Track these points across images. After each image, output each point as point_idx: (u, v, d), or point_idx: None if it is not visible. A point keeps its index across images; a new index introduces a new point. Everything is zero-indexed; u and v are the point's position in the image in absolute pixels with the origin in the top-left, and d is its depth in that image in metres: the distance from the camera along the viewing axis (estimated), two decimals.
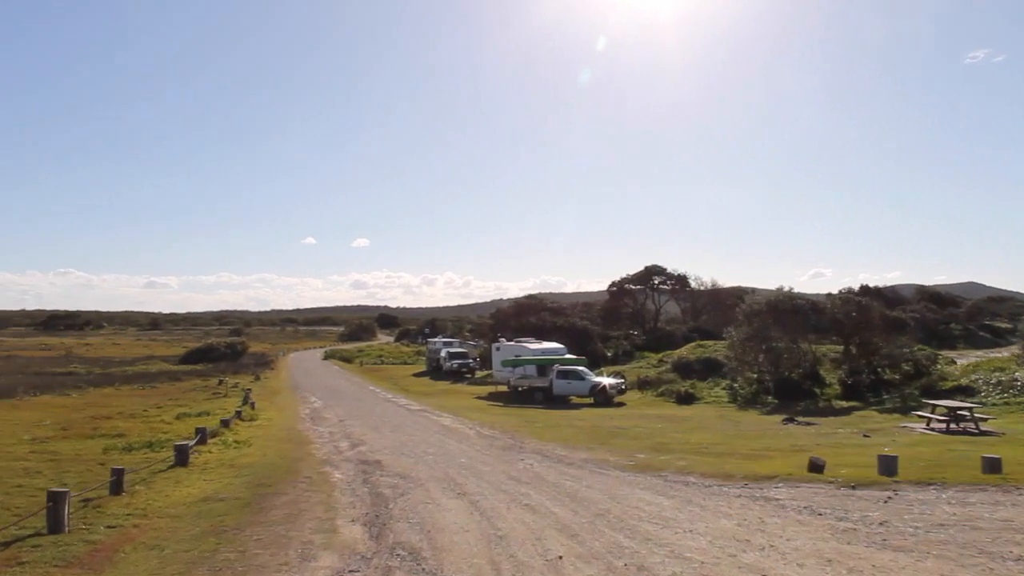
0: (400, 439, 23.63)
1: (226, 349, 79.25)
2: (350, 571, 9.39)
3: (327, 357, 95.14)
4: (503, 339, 52.21)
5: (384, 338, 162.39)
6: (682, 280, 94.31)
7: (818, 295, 52.53)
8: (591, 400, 41.50)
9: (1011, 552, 9.67)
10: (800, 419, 30.66)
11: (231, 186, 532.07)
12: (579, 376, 43.30)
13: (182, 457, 18.54)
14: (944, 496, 13.09)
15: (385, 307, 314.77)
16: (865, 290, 78.14)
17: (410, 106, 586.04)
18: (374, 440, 23.42)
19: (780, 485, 14.53)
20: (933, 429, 25.17)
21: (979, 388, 33.64)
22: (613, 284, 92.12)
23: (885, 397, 37.07)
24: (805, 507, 12.58)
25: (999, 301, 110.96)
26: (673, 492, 14.32)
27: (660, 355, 61.72)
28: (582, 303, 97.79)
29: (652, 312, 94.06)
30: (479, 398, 45.87)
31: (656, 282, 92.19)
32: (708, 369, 48.49)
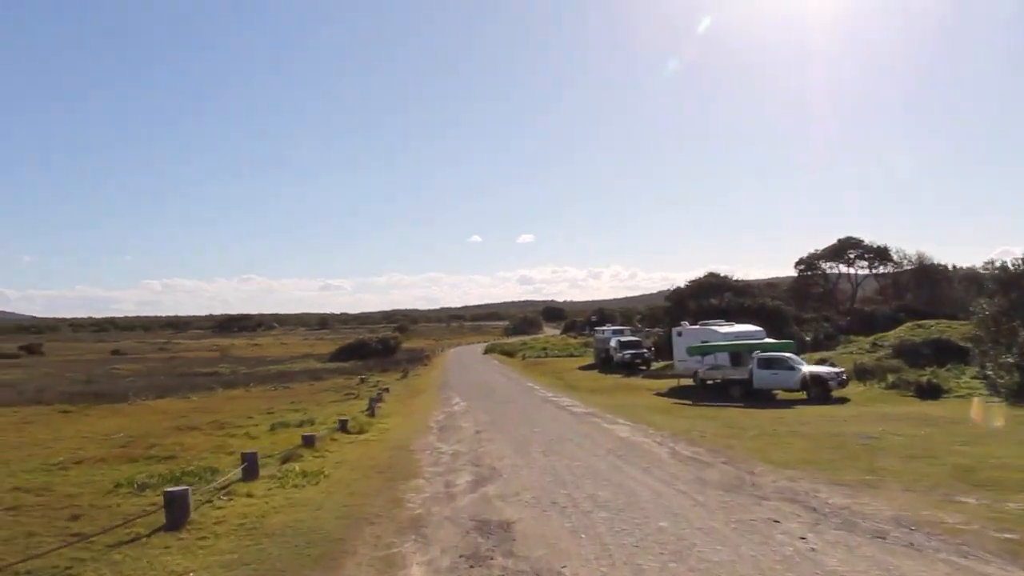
0: (554, 468, 14.96)
1: (378, 345, 73.61)
2: None
3: (488, 351, 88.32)
4: (685, 323, 42.63)
5: (550, 331, 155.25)
6: (882, 253, 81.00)
7: None
8: (802, 395, 31.59)
9: None
10: None
11: (398, 188, 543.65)
12: (787, 365, 33.28)
13: (175, 515, 10.72)
14: None
15: (551, 301, 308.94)
16: None
17: (571, 99, 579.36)
18: (513, 470, 14.89)
19: None
20: None
21: None
22: (800, 261, 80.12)
23: None
24: None
25: None
26: None
27: (872, 338, 50.56)
28: (765, 283, 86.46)
29: (848, 291, 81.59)
30: (659, 395, 36.73)
31: (852, 256, 79.44)
32: (940, 354, 37.33)
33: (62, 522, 11.67)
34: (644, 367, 53.40)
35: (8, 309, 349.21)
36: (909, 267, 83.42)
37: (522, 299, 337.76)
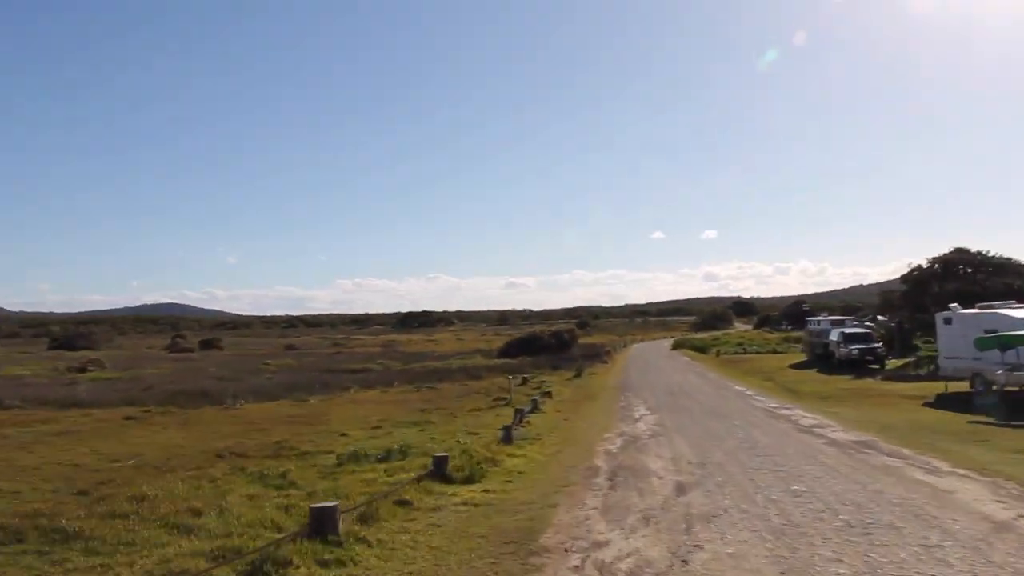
0: None
1: (551, 340, 64.34)
2: None
3: (676, 347, 77.21)
4: (956, 306, 30.23)
5: (741, 326, 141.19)
6: None
7: None
8: None
9: None
10: None
11: (580, 186, 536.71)
12: None
13: None
14: None
15: (738, 297, 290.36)
16: None
17: (743, 96, 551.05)
18: None
19: None
20: None
21: None
22: None
23: None
24: None
25: None
26: None
27: None
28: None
29: None
30: (928, 405, 25.38)
31: None
32: None
33: None
34: (877, 365, 41.30)
35: (218, 307, 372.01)
36: None
37: (707, 295, 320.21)
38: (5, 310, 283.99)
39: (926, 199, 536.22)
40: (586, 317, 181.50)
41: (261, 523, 9.36)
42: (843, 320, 49.87)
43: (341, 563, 7.52)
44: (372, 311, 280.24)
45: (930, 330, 45.16)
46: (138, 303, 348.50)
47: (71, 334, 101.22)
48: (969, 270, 43.23)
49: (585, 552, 7.86)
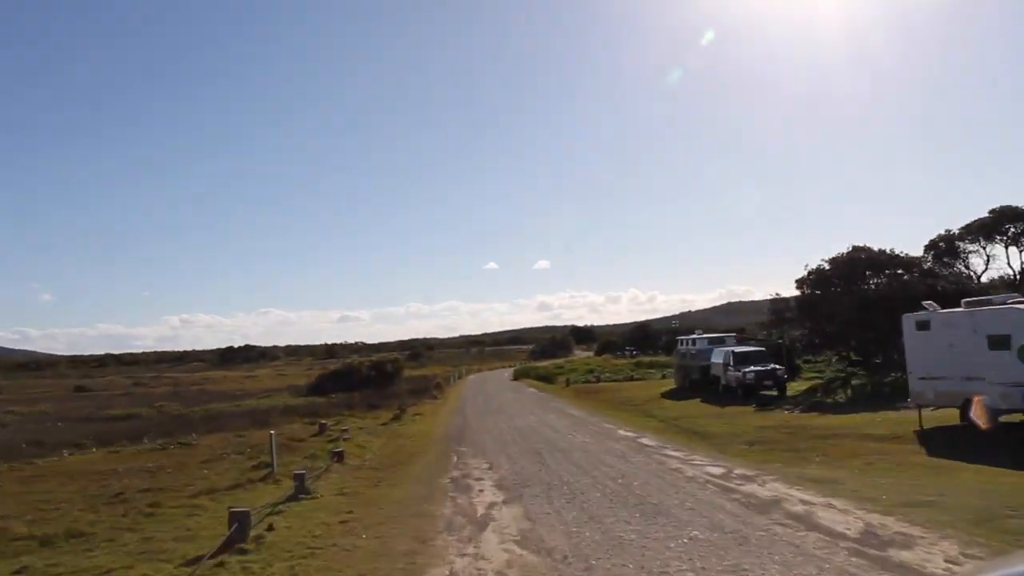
0: None
1: (370, 371, 52.39)
2: None
3: (518, 376, 67.06)
4: (932, 304, 21.20)
5: (581, 353, 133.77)
6: None
7: None
8: None
9: None
10: None
11: (411, 217, 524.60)
12: None
13: None
14: None
15: (571, 326, 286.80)
16: None
17: (582, 125, 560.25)
18: None
19: None
20: None
21: None
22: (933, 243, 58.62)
23: None
24: None
25: None
26: None
27: None
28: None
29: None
30: (938, 454, 16.11)
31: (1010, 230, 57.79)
32: None
33: None
34: (775, 392, 32.67)
35: (30, 347, 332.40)
36: None
37: (541, 324, 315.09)
38: None
39: (746, 227, 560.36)
40: (420, 348, 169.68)
41: None
42: (723, 338, 41.04)
43: None
44: (200, 347, 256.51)
45: (831, 345, 37.19)
46: None
47: None
48: (885, 269, 35.28)
49: None
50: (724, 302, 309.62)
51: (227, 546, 9.59)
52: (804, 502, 11.08)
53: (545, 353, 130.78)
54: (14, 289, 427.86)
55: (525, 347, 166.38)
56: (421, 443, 23.42)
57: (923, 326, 20.09)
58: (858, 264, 35.68)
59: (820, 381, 34.17)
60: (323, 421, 28.58)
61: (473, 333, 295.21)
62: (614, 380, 55.81)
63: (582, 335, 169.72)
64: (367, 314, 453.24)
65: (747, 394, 32.73)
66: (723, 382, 35.58)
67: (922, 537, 8.59)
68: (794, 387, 33.49)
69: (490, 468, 16.68)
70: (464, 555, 9.12)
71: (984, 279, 40.43)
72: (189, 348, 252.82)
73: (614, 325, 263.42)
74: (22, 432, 36.85)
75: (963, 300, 19.62)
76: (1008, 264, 44.50)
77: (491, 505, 12.33)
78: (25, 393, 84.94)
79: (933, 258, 50.02)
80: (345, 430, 25.46)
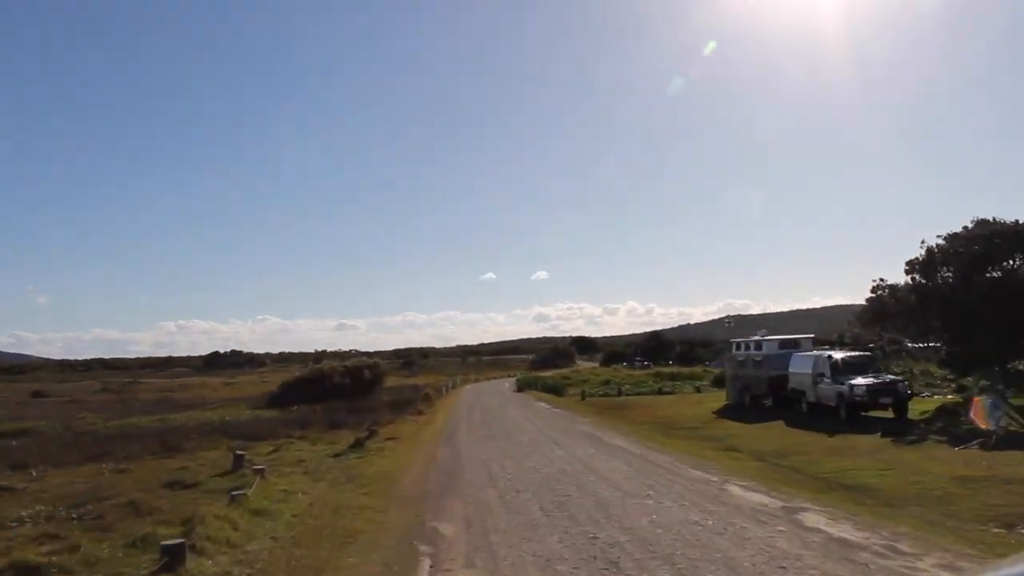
0: None
1: (343, 379, 42.04)
2: None
3: (522, 388, 56.75)
4: None
5: (584, 363, 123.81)
6: None
7: None
8: None
9: None
10: None
11: (410, 226, 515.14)
12: None
13: None
14: None
15: (569, 337, 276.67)
16: None
17: (583, 136, 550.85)
18: None
19: None
20: None
21: None
22: None
23: None
24: None
25: None
26: None
27: None
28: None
29: None
30: None
31: None
32: None
33: None
34: (895, 414, 22.97)
35: (27, 351, 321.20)
36: None
37: (538, 335, 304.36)
38: None
39: (746, 240, 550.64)
40: (413, 356, 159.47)
41: None
42: (797, 340, 30.85)
43: None
44: (196, 354, 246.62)
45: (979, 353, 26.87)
46: None
47: None
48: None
49: None
50: (723, 315, 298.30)
51: None
52: None
53: (546, 363, 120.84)
54: (10, 292, 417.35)
55: (523, 357, 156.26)
56: (376, 500, 13.35)
57: None
58: (998, 240, 25.45)
59: (956, 398, 24.19)
60: (241, 452, 18.46)
61: (470, 343, 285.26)
62: (638, 393, 45.86)
63: (584, 345, 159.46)
64: (364, 323, 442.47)
65: (853, 415, 22.91)
66: (810, 398, 25.70)
67: None
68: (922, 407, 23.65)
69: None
70: None
71: None
72: (185, 354, 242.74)
73: (614, 336, 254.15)
74: None
75: None
76: None
77: None
78: None
79: None
80: (260, 470, 15.34)
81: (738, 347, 33.31)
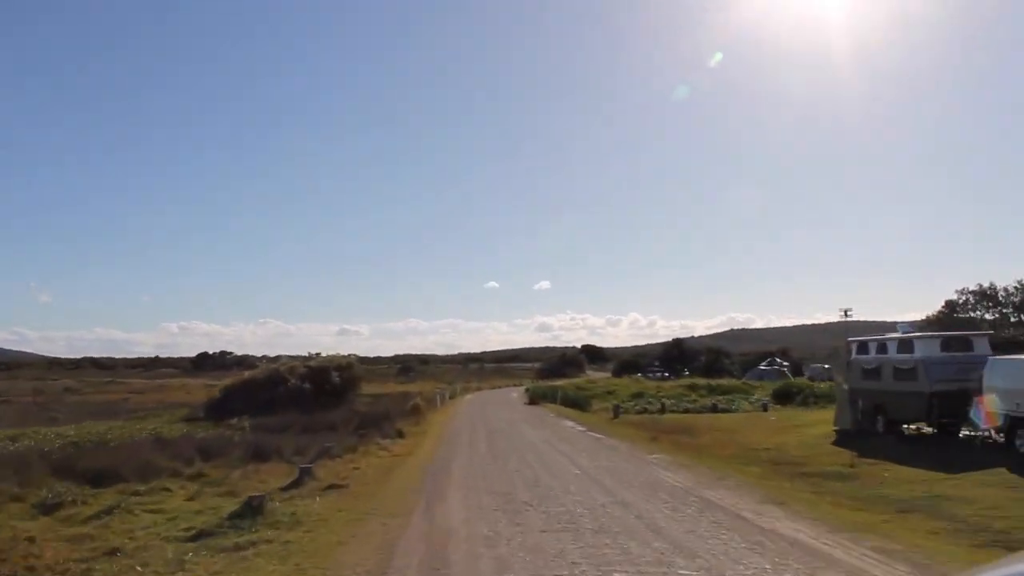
0: None
1: (300, 382, 31.24)
2: None
3: (534, 400, 45.87)
4: None
5: (595, 373, 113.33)
6: None
7: None
8: None
9: None
10: None
11: (414, 232, 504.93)
12: None
13: None
14: None
15: (571, 347, 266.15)
16: None
17: (585, 146, 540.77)
18: None
19: None
20: None
21: None
22: None
23: None
24: None
25: None
26: None
27: None
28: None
29: None
30: None
31: None
32: None
33: None
34: None
35: (28, 349, 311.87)
36: None
37: (540, 345, 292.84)
38: None
39: (748, 254, 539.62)
40: (412, 362, 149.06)
41: None
42: (968, 339, 20.37)
43: None
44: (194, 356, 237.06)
45: None
46: None
47: None
48: None
49: None
50: (726, 329, 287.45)
51: None
52: None
53: (553, 371, 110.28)
54: (12, 289, 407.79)
55: (527, 365, 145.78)
56: None
57: None
58: None
59: None
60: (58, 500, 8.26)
61: (472, 351, 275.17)
62: (687, 411, 35.64)
63: (593, 354, 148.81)
64: (367, 328, 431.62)
65: None
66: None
67: None
68: None
69: None
70: None
71: None
72: (186, 355, 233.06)
73: (615, 348, 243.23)
74: None
75: None
76: None
77: None
78: None
79: None
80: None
81: (862, 348, 22.75)
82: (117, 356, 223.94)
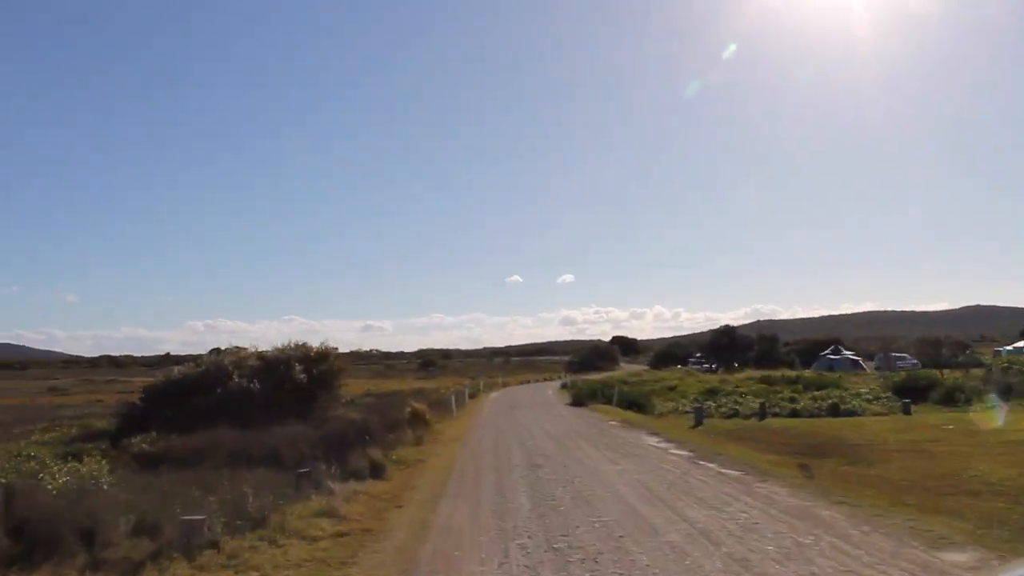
0: None
1: (246, 381, 21.68)
2: None
3: (580, 400, 35.64)
4: None
5: (629, 365, 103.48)
6: None
7: None
8: None
9: None
10: None
11: (436, 228, 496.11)
12: None
13: None
14: None
15: (598, 341, 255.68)
16: None
17: (609, 140, 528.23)
18: None
19: None
20: None
21: None
22: None
23: None
24: None
25: None
26: None
27: None
28: None
29: None
30: None
31: None
32: None
33: None
34: None
35: (58, 348, 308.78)
36: None
37: (565, 339, 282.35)
38: None
39: (773, 244, 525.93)
40: (434, 356, 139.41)
41: None
42: None
43: None
44: None
45: None
46: None
47: None
48: None
49: None
50: (752, 320, 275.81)
51: None
52: None
53: (586, 364, 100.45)
54: (41, 290, 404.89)
55: (554, 358, 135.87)
56: None
57: None
58: None
59: None
60: None
61: (497, 345, 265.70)
62: (792, 415, 25.69)
63: (625, 346, 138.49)
64: (390, 324, 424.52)
65: None
66: None
67: None
68: None
69: None
70: None
71: None
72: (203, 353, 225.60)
73: (640, 341, 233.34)
74: None
75: None
76: None
77: None
78: None
79: None
80: None
81: None
82: (138, 355, 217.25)
